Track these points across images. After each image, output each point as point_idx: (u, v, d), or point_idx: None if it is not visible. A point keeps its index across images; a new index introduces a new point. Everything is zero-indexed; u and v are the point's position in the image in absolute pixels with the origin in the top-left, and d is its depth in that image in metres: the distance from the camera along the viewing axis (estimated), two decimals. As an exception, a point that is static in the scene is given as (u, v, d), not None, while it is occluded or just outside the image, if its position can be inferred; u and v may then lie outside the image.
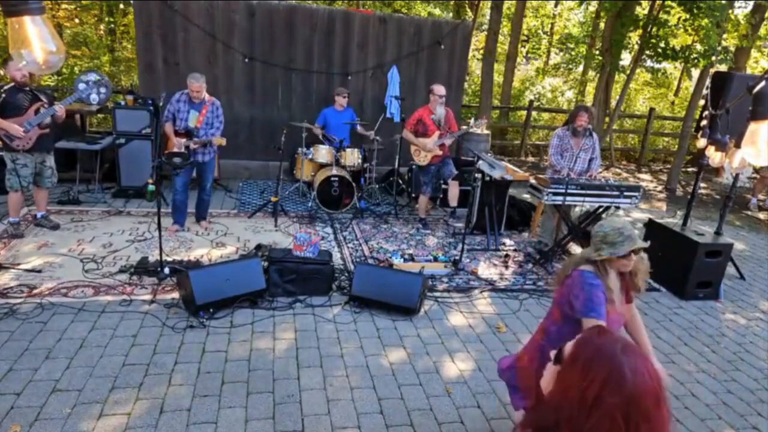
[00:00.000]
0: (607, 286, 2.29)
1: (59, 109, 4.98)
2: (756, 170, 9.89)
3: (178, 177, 5.26)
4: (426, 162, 5.99)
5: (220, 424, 2.89)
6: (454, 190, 6.23)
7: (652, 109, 12.66)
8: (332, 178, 6.43)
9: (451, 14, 15.87)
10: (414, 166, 7.18)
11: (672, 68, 14.96)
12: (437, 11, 16.05)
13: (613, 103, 11.50)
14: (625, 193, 5.25)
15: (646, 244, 2.30)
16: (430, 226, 6.34)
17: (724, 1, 8.65)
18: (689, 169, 11.80)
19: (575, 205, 5.65)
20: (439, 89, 5.90)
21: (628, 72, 10.70)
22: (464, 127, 6.54)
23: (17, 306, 3.84)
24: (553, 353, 1.19)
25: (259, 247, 5.07)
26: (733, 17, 9.83)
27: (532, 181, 5.48)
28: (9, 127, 4.70)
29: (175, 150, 5.12)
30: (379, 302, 4.24)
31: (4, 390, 3.00)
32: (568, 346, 1.12)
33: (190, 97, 5.23)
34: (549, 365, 1.17)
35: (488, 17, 13.64)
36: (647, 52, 9.70)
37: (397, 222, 6.51)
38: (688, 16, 9.28)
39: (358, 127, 7.05)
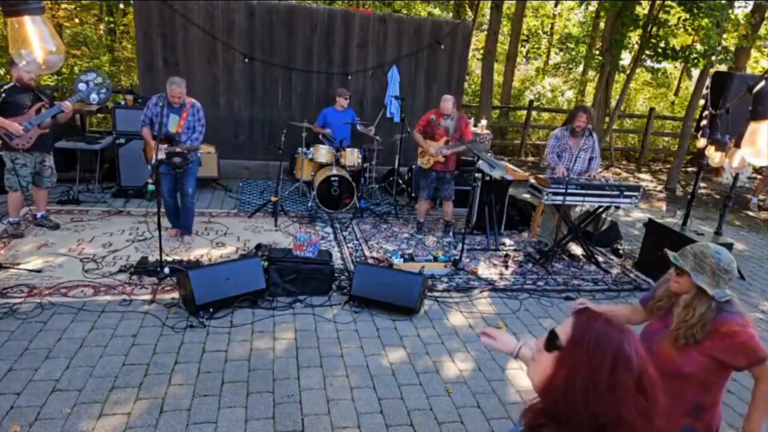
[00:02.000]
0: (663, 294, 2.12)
1: (66, 105, 4.94)
2: (756, 170, 9.89)
3: (165, 182, 5.02)
4: (428, 166, 5.84)
5: (220, 424, 2.89)
6: (447, 208, 6.19)
7: (652, 109, 12.66)
8: (332, 178, 6.43)
9: (451, 14, 15.86)
10: (414, 166, 7.19)
11: (672, 68, 14.96)
12: (437, 11, 16.03)
13: (613, 102, 11.50)
14: (625, 193, 5.26)
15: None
16: (424, 230, 6.26)
17: (724, 1, 8.64)
18: (689, 169, 11.80)
19: (575, 205, 5.65)
20: (444, 107, 5.65)
21: (628, 72, 10.69)
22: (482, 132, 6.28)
23: (17, 306, 3.84)
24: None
25: (259, 246, 5.07)
26: (733, 17, 9.83)
27: (532, 181, 5.48)
28: (8, 125, 4.70)
29: (154, 159, 4.61)
30: (379, 302, 4.24)
31: (4, 390, 3.00)
32: (564, 331, 1.15)
33: (169, 102, 4.93)
34: (537, 351, 1.19)
35: (488, 17, 13.63)
36: (647, 51, 9.70)
37: (397, 222, 6.51)
38: (688, 16, 9.27)
39: (359, 127, 7.04)
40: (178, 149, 4.88)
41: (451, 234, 6.17)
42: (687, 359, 2.00)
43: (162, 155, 4.79)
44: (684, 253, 2.01)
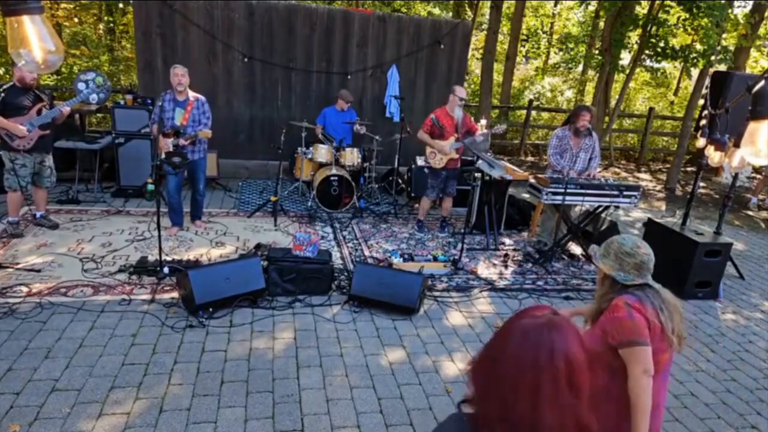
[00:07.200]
0: None
1: (65, 109, 5.00)
2: (756, 170, 9.90)
3: (171, 179, 5.22)
4: (441, 165, 5.84)
5: (220, 424, 2.89)
6: (447, 204, 6.24)
7: (651, 109, 12.66)
8: (332, 178, 6.42)
9: (450, 14, 15.85)
10: (414, 166, 7.18)
11: (671, 68, 14.94)
12: (437, 11, 16.02)
13: (613, 102, 11.50)
14: (625, 193, 5.25)
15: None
16: (425, 229, 6.29)
17: (723, 1, 8.64)
18: (689, 169, 11.80)
19: (575, 205, 5.65)
20: (461, 91, 5.72)
21: (627, 71, 10.69)
22: (485, 130, 6.19)
23: (17, 305, 3.83)
24: None
25: (258, 246, 5.07)
26: (732, 17, 9.83)
27: (532, 180, 5.48)
28: (13, 128, 4.70)
29: (164, 150, 5.03)
30: (379, 302, 4.24)
31: (3, 389, 2.99)
32: None
33: (175, 96, 5.19)
34: None
35: (488, 17, 13.63)
36: (647, 51, 9.70)
37: (396, 222, 6.50)
38: (687, 16, 9.27)
39: (356, 127, 7.02)
40: (182, 140, 5.13)
41: (446, 231, 6.18)
42: (590, 335, 2.04)
43: (170, 147, 5.06)
44: (602, 245, 2.12)
